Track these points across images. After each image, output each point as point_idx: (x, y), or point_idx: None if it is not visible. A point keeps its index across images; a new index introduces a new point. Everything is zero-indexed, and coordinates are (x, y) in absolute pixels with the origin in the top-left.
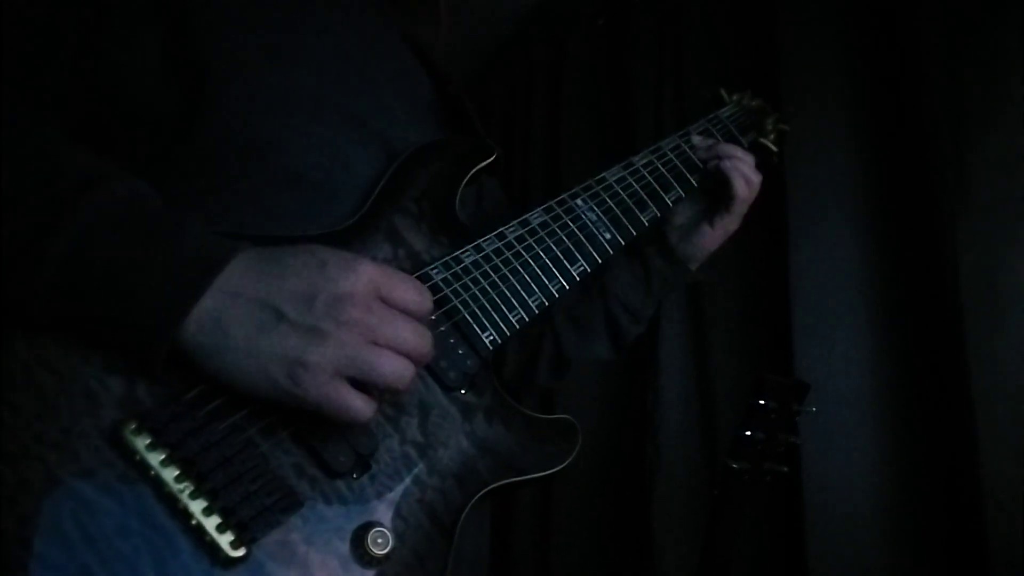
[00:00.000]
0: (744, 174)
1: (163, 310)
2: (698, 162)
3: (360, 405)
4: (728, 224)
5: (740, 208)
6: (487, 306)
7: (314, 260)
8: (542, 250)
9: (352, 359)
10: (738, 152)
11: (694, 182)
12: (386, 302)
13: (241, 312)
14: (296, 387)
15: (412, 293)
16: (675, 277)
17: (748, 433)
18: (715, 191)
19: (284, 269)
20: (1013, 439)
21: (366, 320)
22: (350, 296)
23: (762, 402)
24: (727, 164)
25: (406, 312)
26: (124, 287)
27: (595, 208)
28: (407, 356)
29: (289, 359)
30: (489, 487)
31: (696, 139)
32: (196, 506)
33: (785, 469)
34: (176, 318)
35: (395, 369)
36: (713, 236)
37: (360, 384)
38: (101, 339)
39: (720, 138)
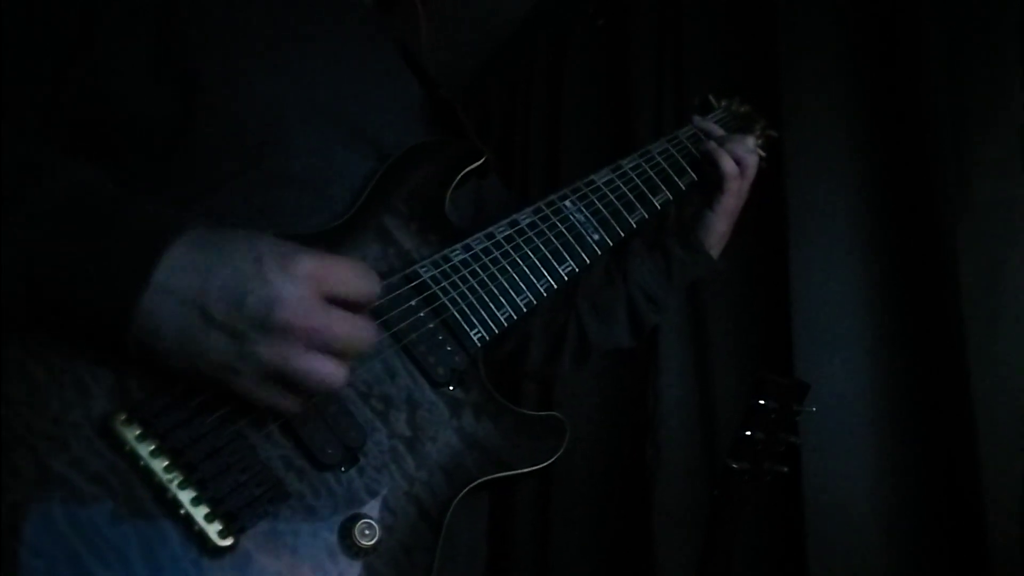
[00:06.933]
0: (732, 152)
1: (107, 312)
2: (686, 165)
3: (288, 404)
4: (726, 203)
5: (732, 185)
6: (475, 304)
7: (251, 253)
8: (531, 250)
9: (280, 367)
10: (729, 135)
11: (682, 185)
12: (328, 297)
13: (170, 313)
14: (230, 385)
15: (354, 280)
16: (696, 264)
17: (748, 433)
18: (710, 177)
19: (218, 259)
20: (1013, 439)
21: (299, 325)
22: (282, 301)
23: (762, 402)
24: (712, 145)
25: (353, 301)
26: (69, 288)
27: (583, 210)
28: (343, 353)
29: (216, 364)
30: (476, 481)
31: (711, 127)
32: (185, 496)
33: (785, 469)
34: (122, 320)
35: (327, 374)
36: (716, 218)
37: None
38: (69, 334)
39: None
